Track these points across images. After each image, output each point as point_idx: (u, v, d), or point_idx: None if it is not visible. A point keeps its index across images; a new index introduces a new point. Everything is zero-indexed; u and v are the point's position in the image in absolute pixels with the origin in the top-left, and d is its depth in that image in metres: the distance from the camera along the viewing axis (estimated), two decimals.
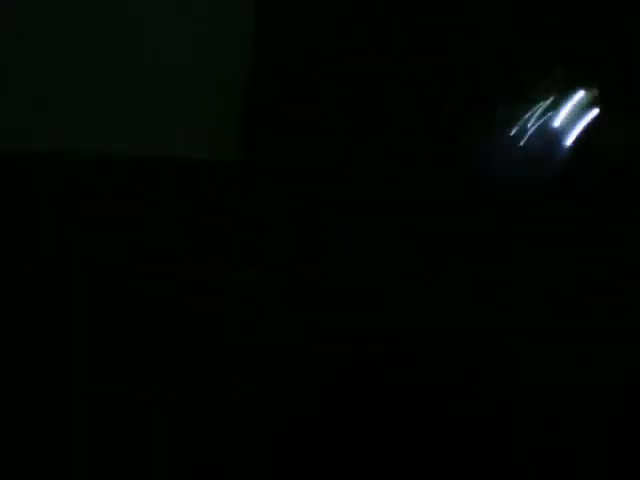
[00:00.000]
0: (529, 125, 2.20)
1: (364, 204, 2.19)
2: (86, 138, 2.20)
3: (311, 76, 2.22)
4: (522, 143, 2.19)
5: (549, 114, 2.20)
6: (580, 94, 2.19)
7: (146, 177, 2.18)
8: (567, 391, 2.00)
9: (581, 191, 2.14)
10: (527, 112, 2.20)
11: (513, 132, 2.21)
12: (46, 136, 2.18)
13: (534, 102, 2.21)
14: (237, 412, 1.99)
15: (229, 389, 2.00)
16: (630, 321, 2.06)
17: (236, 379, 2.01)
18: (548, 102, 2.20)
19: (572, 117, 2.19)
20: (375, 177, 2.22)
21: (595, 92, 2.19)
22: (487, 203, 2.17)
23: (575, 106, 2.19)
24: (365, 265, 2.15)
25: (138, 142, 2.21)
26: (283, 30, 2.23)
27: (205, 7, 2.25)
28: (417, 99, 2.23)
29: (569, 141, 2.19)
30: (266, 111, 2.25)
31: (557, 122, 2.20)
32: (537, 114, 2.19)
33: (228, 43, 2.25)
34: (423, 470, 1.97)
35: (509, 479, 1.97)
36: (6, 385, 1.99)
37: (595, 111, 2.19)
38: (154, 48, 2.22)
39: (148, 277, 2.10)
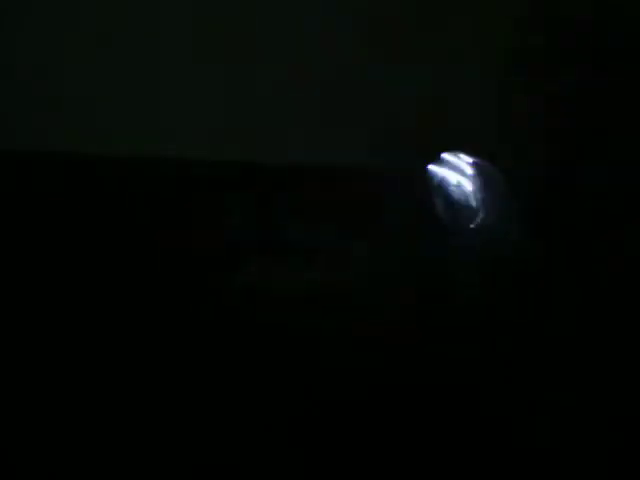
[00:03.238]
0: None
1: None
2: (86, 138, 2.20)
3: None
4: None
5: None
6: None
7: (146, 177, 2.19)
8: None
9: None
10: None
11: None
12: (46, 136, 2.18)
13: None
14: (240, 412, 1.99)
15: (231, 389, 2.00)
16: None
17: (238, 378, 2.02)
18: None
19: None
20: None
21: None
22: None
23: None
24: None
25: (138, 142, 2.21)
26: None
27: None
28: None
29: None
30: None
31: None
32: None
33: None
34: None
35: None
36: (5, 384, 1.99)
37: None
38: (154, 46, 2.23)
39: (148, 277, 2.10)
